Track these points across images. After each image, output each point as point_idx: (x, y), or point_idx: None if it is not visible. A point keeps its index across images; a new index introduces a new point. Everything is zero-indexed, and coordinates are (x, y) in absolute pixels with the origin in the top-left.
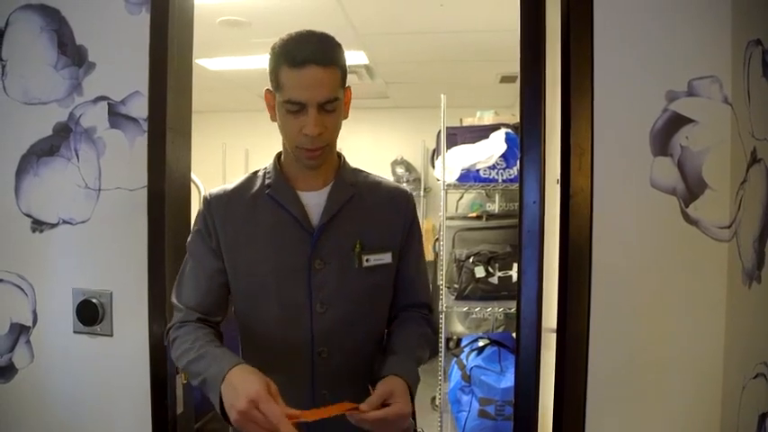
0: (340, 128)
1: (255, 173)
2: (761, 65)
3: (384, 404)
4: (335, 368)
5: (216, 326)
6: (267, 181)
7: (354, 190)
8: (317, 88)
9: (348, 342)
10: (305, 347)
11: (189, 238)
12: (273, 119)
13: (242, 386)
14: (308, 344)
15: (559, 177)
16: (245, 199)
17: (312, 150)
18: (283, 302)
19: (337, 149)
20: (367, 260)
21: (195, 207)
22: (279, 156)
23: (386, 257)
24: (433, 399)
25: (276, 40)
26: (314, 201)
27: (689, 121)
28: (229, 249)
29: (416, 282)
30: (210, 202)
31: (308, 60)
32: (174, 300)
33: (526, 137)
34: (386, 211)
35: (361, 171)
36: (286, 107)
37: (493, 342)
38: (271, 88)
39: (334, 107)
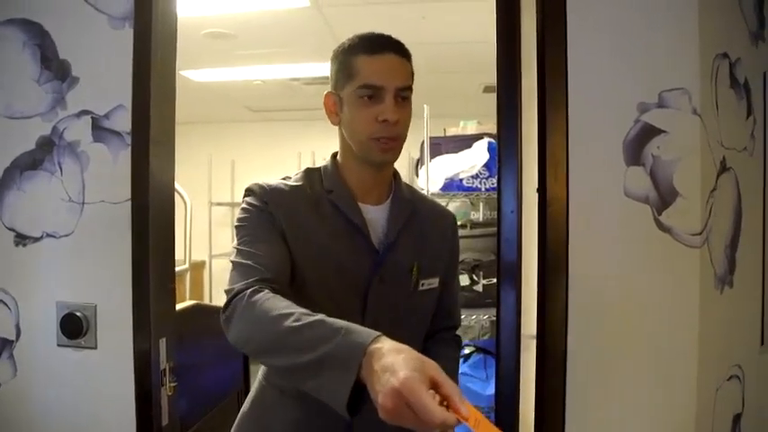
0: (409, 126)
1: (309, 171)
2: (728, 77)
3: None
4: None
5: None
6: (325, 184)
7: (412, 207)
8: (396, 73)
9: None
10: None
11: (241, 216)
12: (334, 122)
13: (384, 373)
14: None
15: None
16: (307, 195)
17: (387, 140)
18: (339, 307)
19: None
20: (422, 284)
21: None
22: (333, 157)
23: (435, 282)
24: None
25: (344, 42)
26: (373, 215)
27: (660, 131)
28: (292, 238)
29: (455, 306)
30: (269, 192)
31: (388, 48)
32: (241, 259)
33: (503, 148)
34: (437, 233)
35: (412, 187)
36: (360, 93)
37: (478, 350)
38: (332, 90)
39: (407, 96)
